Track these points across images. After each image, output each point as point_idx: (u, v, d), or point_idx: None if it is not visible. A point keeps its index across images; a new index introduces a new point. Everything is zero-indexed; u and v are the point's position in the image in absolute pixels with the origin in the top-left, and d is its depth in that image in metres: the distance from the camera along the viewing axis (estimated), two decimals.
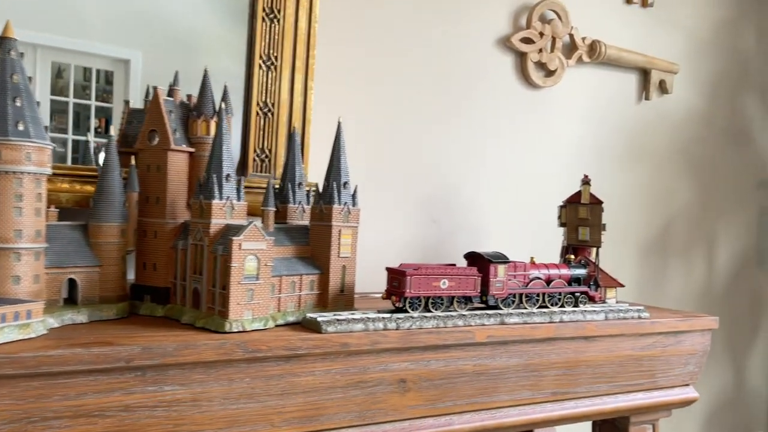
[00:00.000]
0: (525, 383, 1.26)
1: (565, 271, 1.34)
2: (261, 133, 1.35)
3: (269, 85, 1.35)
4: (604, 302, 1.54)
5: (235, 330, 1.00)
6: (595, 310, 1.34)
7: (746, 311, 2.43)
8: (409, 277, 1.13)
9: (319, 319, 1.05)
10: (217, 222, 1.05)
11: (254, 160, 1.35)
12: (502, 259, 1.23)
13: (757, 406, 2.48)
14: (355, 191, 1.19)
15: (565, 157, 1.97)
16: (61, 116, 1.30)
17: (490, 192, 1.85)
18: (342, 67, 1.60)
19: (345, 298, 1.18)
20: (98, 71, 1.32)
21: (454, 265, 1.25)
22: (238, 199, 1.08)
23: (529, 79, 1.88)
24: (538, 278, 1.29)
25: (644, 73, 2.12)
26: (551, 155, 1.94)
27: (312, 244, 1.19)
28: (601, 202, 1.57)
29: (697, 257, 2.30)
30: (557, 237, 1.59)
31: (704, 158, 2.29)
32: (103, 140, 1.26)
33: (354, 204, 1.19)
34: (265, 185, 1.31)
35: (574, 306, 1.34)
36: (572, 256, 1.39)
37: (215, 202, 1.05)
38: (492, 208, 1.85)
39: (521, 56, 1.88)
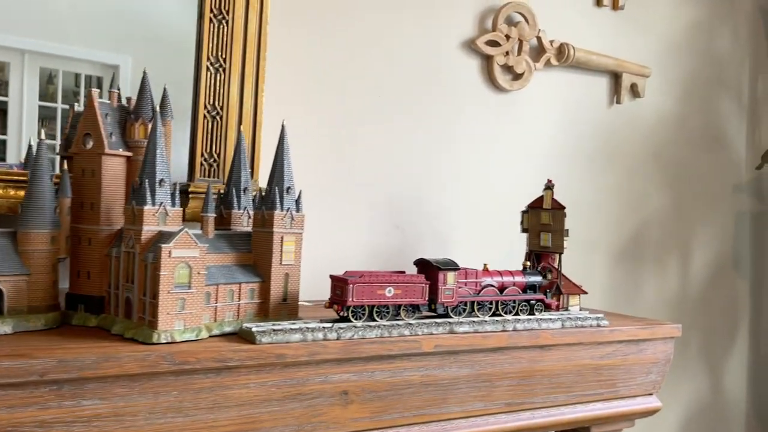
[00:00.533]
0: (477, 394, 1.23)
1: (520, 279, 1.31)
2: (208, 137, 1.32)
3: (217, 88, 1.32)
4: (566, 310, 1.51)
5: (164, 341, 0.96)
6: (551, 318, 1.31)
7: (722, 317, 2.40)
8: (351, 286, 1.09)
9: (254, 329, 1.02)
10: (149, 229, 1.02)
11: (201, 164, 1.32)
12: (451, 266, 1.20)
13: (735, 413, 2.45)
14: (299, 196, 1.16)
15: (534, 162, 1.94)
16: (52, 122, 1.29)
17: (457, 197, 1.82)
18: (298, 70, 1.56)
19: (288, 307, 1.15)
20: (88, 77, 1.30)
21: (404, 272, 1.21)
22: (173, 204, 1.05)
23: (496, 82, 1.85)
24: (491, 286, 1.26)
25: (615, 77, 2.09)
26: (520, 160, 1.91)
27: (254, 252, 1.15)
28: (563, 207, 1.54)
29: (672, 263, 2.27)
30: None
31: (678, 162, 2.26)
32: None
33: (298, 209, 1.16)
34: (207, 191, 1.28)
35: (530, 314, 1.31)
36: (528, 263, 1.36)
37: (147, 208, 1.01)
38: (458, 214, 1.82)
39: (487, 59, 1.85)
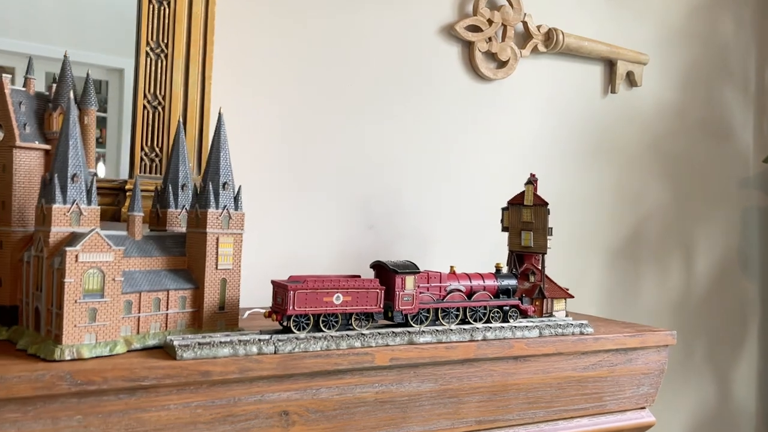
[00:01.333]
0: (442, 411, 1.10)
1: (491, 282, 1.18)
2: (149, 129, 1.21)
3: (159, 76, 1.21)
4: (550, 315, 1.38)
5: (68, 357, 0.85)
6: (527, 326, 1.18)
7: (729, 321, 2.26)
8: (291, 292, 0.97)
9: (176, 342, 0.90)
10: (58, 230, 0.90)
11: (142, 159, 1.20)
12: (410, 268, 1.07)
13: (745, 424, 2.30)
14: (238, 193, 1.04)
15: (521, 157, 1.81)
16: None
17: (436, 194, 1.69)
18: (253, 55, 1.45)
19: (226, 317, 1.03)
20: (94, 81, 1.23)
21: (359, 276, 1.09)
22: (88, 203, 0.93)
23: (478, 70, 1.72)
24: (458, 290, 1.13)
25: (610, 65, 1.96)
26: (505, 154, 1.78)
27: (188, 255, 1.04)
28: (545, 204, 1.41)
29: (674, 263, 2.13)
30: None
31: (679, 155, 2.12)
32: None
33: (237, 207, 1.04)
34: (152, 188, 1.16)
35: (503, 322, 1.18)
36: (501, 265, 1.23)
37: (56, 206, 0.90)
38: (438, 212, 1.69)
39: (468, 46, 1.72)
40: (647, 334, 1.31)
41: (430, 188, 1.68)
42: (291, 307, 0.97)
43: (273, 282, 1.02)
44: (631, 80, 1.99)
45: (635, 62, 1.97)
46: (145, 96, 1.20)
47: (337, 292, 1.01)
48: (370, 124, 1.60)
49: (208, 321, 1.01)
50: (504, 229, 1.48)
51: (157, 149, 1.21)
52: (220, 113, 1.05)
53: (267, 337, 0.95)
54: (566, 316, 1.44)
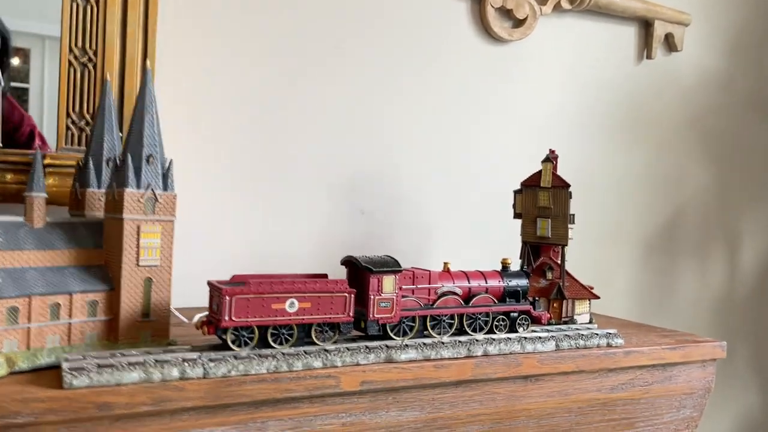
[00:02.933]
0: None
1: (495, 282, 0.94)
2: (77, 92, 0.99)
3: (89, 25, 0.98)
4: (571, 320, 1.14)
5: None
6: (541, 337, 0.95)
7: None
8: (228, 298, 0.75)
9: (65, 364, 0.68)
10: None
11: (68, 128, 0.98)
12: (388, 266, 0.84)
13: None
14: (168, 168, 0.82)
15: (539, 132, 1.56)
16: None
17: (440, 174, 1.45)
18: (211, 3, 1.21)
19: (152, 327, 0.81)
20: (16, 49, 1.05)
21: (326, 276, 0.86)
22: None
23: (491, 30, 1.47)
24: (452, 294, 0.90)
25: (646, 25, 1.69)
26: (521, 128, 1.53)
27: (106, 248, 0.81)
28: (567, 185, 1.17)
29: (715, 257, 1.86)
30: None
31: (724, 133, 1.84)
32: None
33: (166, 187, 0.81)
34: (75, 164, 0.94)
35: (509, 332, 0.94)
36: (510, 261, 0.99)
37: None
38: (442, 196, 1.45)
39: (479, 1, 1.47)
40: (690, 347, 1.06)
41: (433, 167, 1.44)
42: (227, 317, 0.75)
43: (209, 284, 0.79)
44: (670, 44, 1.72)
45: (675, 23, 1.70)
46: (71, 50, 0.97)
47: (291, 297, 0.78)
48: (361, 92, 1.36)
49: (128, 332, 0.79)
50: (516, 215, 1.23)
51: (88, 116, 0.99)
52: (146, 67, 0.82)
53: (195, 356, 0.73)
54: (590, 320, 1.20)
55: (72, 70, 0.98)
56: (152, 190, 0.80)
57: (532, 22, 1.51)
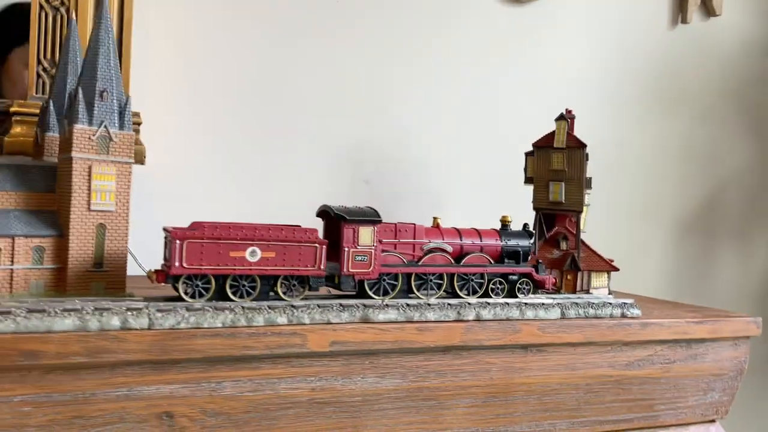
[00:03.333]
0: (414, 419, 0.78)
1: (492, 241, 0.84)
2: (48, 38, 0.93)
3: None
4: (586, 293, 1.03)
5: None
6: (544, 303, 0.85)
7: None
8: (179, 242, 0.67)
9: None
10: None
11: (38, 75, 0.93)
12: (366, 215, 0.76)
13: None
14: (125, 106, 0.75)
15: (560, 101, 1.45)
16: None
17: (451, 142, 1.36)
18: None
19: (105, 278, 0.74)
20: None
21: (300, 226, 0.78)
22: None
23: None
24: (441, 251, 0.81)
25: None
26: (541, 96, 1.43)
27: (58, 191, 0.75)
28: (583, 146, 1.06)
29: (757, 239, 1.72)
30: None
31: (766, 105, 1.70)
32: None
33: (122, 126, 0.74)
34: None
35: (509, 297, 0.84)
36: (509, 218, 0.89)
37: None
38: (454, 165, 1.36)
39: None
40: (720, 322, 0.94)
41: (444, 134, 1.35)
42: (177, 263, 0.67)
43: (163, 229, 0.72)
44: (708, 7, 1.59)
45: None
46: None
47: (253, 245, 0.70)
48: (366, 55, 1.28)
49: (77, 282, 0.72)
50: (527, 180, 1.14)
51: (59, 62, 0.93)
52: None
53: (141, 305, 0.66)
54: (609, 295, 1.09)
55: (43, 14, 0.92)
56: (106, 127, 0.73)
57: None
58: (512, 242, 0.85)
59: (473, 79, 1.36)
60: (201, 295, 0.69)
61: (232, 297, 0.70)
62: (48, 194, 0.75)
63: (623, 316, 0.89)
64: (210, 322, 0.67)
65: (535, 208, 1.11)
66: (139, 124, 0.96)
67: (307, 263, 0.73)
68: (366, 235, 0.75)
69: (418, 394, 0.78)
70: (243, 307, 0.69)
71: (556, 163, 1.09)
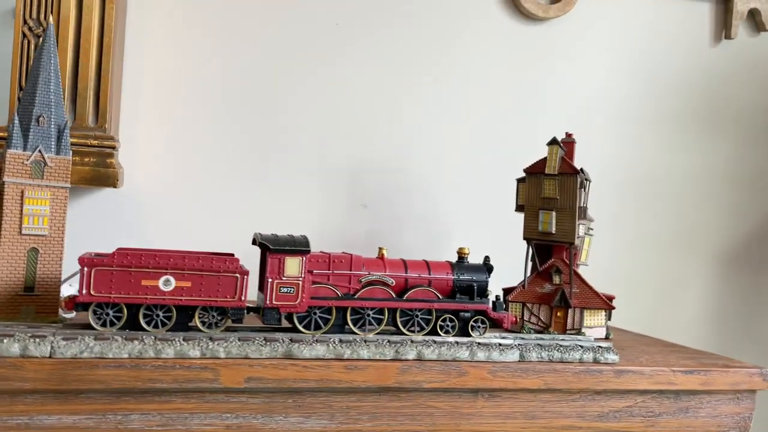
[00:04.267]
0: None
1: (442, 275, 0.79)
2: (30, 64, 0.96)
3: None
4: (578, 333, 0.96)
5: None
6: (501, 344, 0.78)
7: None
8: (86, 269, 0.66)
9: None
10: None
11: (20, 100, 0.95)
12: (293, 245, 0.72)
13: None
14: (63, 130, 0.75)
15: (583, 124, 1.36)
16: None
17: (460, 168, 1.30)
18: None
19: (36, 302, 0.74)
20: None
21: (233, 255, 0.76)
22: None
23: (522, 5, 1.31)
24: (382, 284, 0.76)
25: (724, 0, 1.44)
26: (561, 119, 1.34)
27: None
28: (576, 171, 0.99)
29: None
30: None
31: None
32: None
33: (59, 151, 0.75)
34: None
35: (461, 335, 0.78)
36: (467, 250, 0.82)
37: None
38: (461, 191, 1.30)
39: None
40: (714, 373, 0.84)
41: (449, 157, 1.29)
42: (84, 291, 0.66)
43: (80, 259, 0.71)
44: (757, 22, 1.46)
45: None
46: (25, 22, 0.95)
47: (166, 274, 0.68)
48: (368, 75, 1.24)
49: (6, 306, 0.73)
50: (518, 208, 1.07)
51: None
52: (49, 23, 0.76)
53: (47, 332, 0.65)
54: (607, 336, 1.00)
55: (25, 42, 0.95)
56: (40, 152, 0.74)
57: None
58: (466, 276, 0.79)
59: (479, 101, 1.30)
60: (108, 324, 0.68)
61: (145, 327, 0.69)
62: None
63: (595, 361, 0.81)
64: (115, 353, 0.66)
65: (525, 238, 1.04)
66: (113, 147, 0.97)
67: (226, 294, 0.70)
68: (293, 265, 0.72)
69: None
70: (155, 338, 0.67)
71: (548, 191, 1.01)
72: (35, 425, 0.64)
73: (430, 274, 0.78)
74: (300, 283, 0.72)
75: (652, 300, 1.42)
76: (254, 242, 0.77)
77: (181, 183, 1.16)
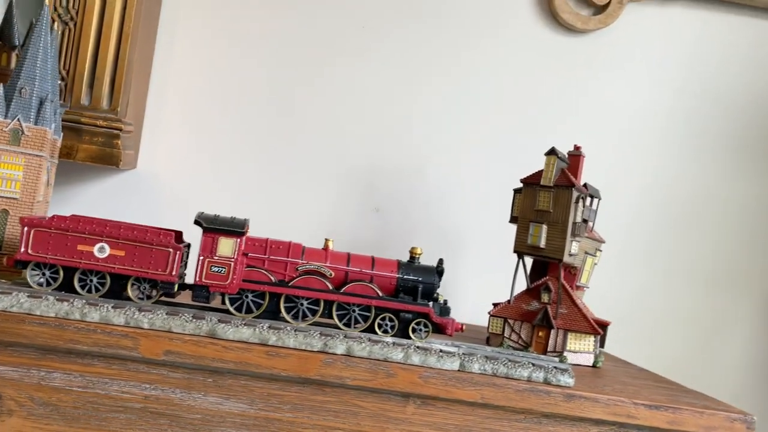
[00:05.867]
0: None
1: (386, 272, 0.76)
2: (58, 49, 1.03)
3: None
4: (560, 356, 0.90)
5: None
6: (442, 351, 0.74)
7: None
8: (26, 229, 0.70)
9: None
10: None
11: None
12: (229, 225, 0.73)
13: None
14: (42, 104, 0.81)
15: (623, 146, 1.28)
16: None
17: (478, 176, 1.26)
18: None
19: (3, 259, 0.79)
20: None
21: (180, 232, 0.77)
22: None
23: (560, 17, 1.26)
24: (320, 274, 0.75)
25: None
26: (600, 137, 1.27)
27: None
28: (571, 184, 0.93)
29: None
30: None
31: None
32: None
33: (36, 122, 0.80)
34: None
35: (401, 336, 0.76)
36: (419, 250, 0.79)
37: None
38: (478, 199, 1.25)
39: None
40: (686, 412, 0.76)
41: (469, 164, 1.26)
42: (23, 249, 0.70)
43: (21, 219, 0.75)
44: None
45: None
46: (55, 9, 1.03)
47: (101, 241, 0.71)
48: (398, 81, 1.24)
49: None
50: (512, 219, 1.02)
51: (64, 72, 1.03)
52: (45, 6, 0.82)
53: None
54: (594, 364, 0.94)
55: (54, 26, 1.03)
56: (19, 120, 0.79)
57: (616, 9, 1.26)
58: (411, 276, 0.76)
59: (509, 111, 1.26)
60: (48, 284, 0.71)
61: (79, 291, 0.71)
62: None
63: (545, 381, 0.75)
64: (43, 311, 0.69)
65: (515, 251, 0.99)
66: (120, 129, 1.03)
67: (158, 267, 0.71)
68: (226, 245, 0.72)
69: (267, 424, 0.72)
70: (84, 302, 0.70)
71: (542, 203, 0.96)
72: None
73: (372, 270, 0.76)
74: (231, 264, 0.72)
75: (693, 337, 1.30)
76: (195, 222, 0.78)
77: (199, 174, 1.20)
